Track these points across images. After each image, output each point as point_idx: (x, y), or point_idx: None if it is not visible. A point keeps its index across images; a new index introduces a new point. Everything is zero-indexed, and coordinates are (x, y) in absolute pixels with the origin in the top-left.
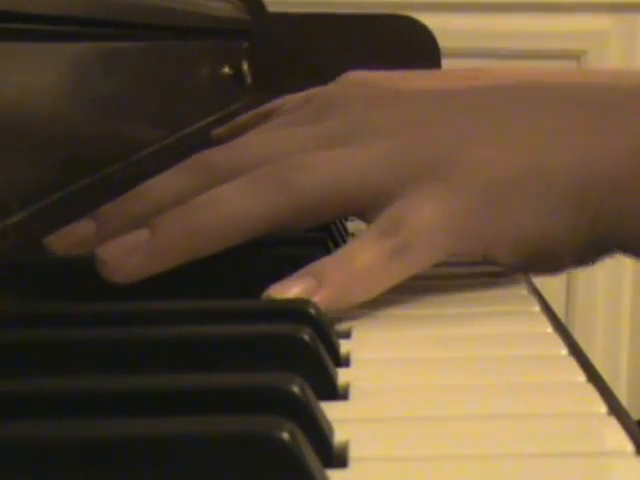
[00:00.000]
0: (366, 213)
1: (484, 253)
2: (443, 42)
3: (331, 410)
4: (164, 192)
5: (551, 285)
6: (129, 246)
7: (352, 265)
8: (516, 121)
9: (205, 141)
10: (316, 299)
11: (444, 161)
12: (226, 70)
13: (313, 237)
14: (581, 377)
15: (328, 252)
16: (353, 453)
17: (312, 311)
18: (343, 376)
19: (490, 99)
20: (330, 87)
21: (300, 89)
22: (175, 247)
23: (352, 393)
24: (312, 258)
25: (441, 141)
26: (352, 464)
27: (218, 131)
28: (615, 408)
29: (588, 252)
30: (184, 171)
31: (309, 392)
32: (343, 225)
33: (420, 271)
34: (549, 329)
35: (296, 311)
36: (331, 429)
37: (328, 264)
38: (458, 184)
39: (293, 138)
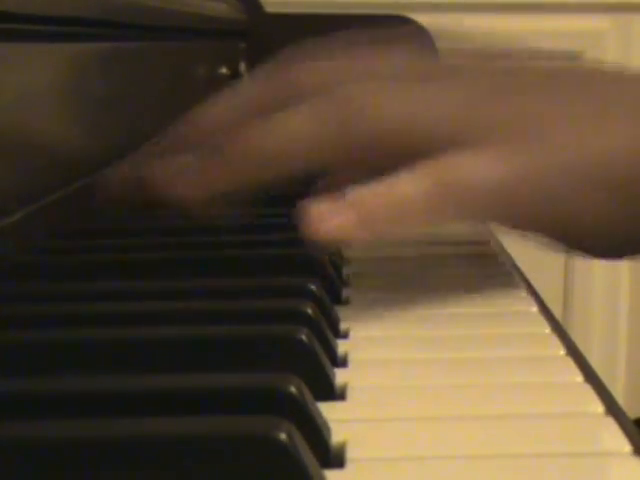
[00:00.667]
0: (421, 156)
1: (525, 230)
2: (440, 42)
3: (328, 410)
4: (236, 103)
5: (549, 286)
6: (181, 166)
7: (389, 196)
8: (581, 106)
9: None
10: (338, 220)
11: (517, 128)
12: (223, 70)
13: None
14: (578, 377)
15: None
16: (350, 453)
17: (309, 311)
18: (340, 376)
19: (573, 80)
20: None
21: None
22: (228, 168)
23: (349, 393)
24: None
25: (517, 107)
26: (349, 464)
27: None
28: (612, 408)
29: (626, 245)
30: (260, 84)
31: (306, 392)
32: None
33: (458, 221)
34: (547, 329)
35: (293, 311)
36: (328, 429)
37: (365, 191)
38: (523, 155)
39: (376, 70)
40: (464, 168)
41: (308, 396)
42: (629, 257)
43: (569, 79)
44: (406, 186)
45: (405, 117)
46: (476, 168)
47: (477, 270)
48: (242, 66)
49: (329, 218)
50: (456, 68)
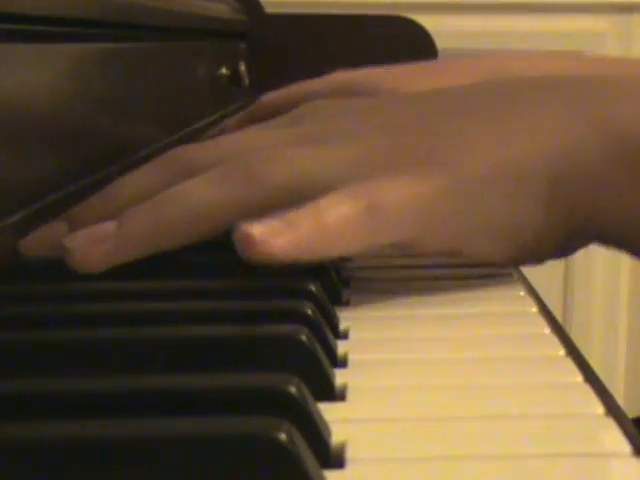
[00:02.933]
0: None
1: (455, 249)
2: (440, 43)
3: (328, 411)
4: (134, 189)
5: (548, 286)
6: (95, 236)
7: (323, 217)
8: (486, 118)
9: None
10: (279, 241)
11: (415, 162)
12: (223, 71)
13: None
14: (578, 378)
15: None
16: (350, 454)
17: (309, 312)
18: (340, 377)
19: (466, 99)
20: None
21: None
22: (141, 238)
23: (349, 394)
24: None
25: (412, 143)
26: (349, 465)
27: (212, 132)
28: (612, 409)
29: (567, 242)
30: (154, 168)
31: (306, 393)
32: None
33: (383, 245)
34: (546, 330)
35: (293, 312)
36: (328, 430)
37: (299, 212)
38: (427, 182)
39: (264, 137)
40: (387, 189)
41: (308, 396)
42: (573, 253)
43: (475, 95)
44: (337, 208)
45: (304, 173)
46: (396, 189)
47: (476, 270)
48: (242, 67)
49: (267, 239)
50: (327, 129)
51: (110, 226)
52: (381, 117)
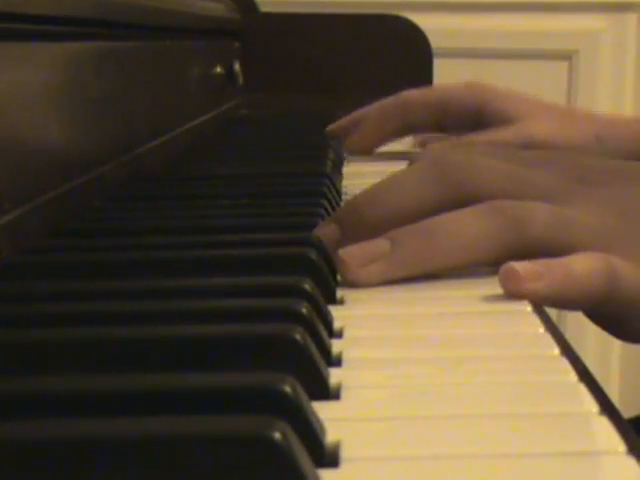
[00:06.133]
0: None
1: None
2: (435, 42)
3: (323, 410)
4: (405, 198)
5: None
6: (370, 255)
7: (570, 268)
8: None
9: (195, 140)
10: (538, 283)
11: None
12: (218, 70)
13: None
14: (573, 377)
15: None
16: (345, 453)
17: (304, 311)
18: (335, 376)
19: None
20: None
21: (290, 89)
22: (412, 263)
23: (344, 393)
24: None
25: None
26: (344, 464)
27: (332, 127)
28: (607, 407)
29: None
30: (428, 174)
31: (301, 392)
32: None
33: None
34: (541, 329)
35: (288, 311)
36: (323, 429)
37: (550, 263)
38: None
39: (530, 180)
40: (622, 268)
41: (303, 395)
42: None
43: None
44: (583, 265)
45: (557, 232)
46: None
47: (471, 270)
48: (236, 65)
49: (529, 277)
50: (573, 187)
51: (383, 247)
52: (616, 190)
